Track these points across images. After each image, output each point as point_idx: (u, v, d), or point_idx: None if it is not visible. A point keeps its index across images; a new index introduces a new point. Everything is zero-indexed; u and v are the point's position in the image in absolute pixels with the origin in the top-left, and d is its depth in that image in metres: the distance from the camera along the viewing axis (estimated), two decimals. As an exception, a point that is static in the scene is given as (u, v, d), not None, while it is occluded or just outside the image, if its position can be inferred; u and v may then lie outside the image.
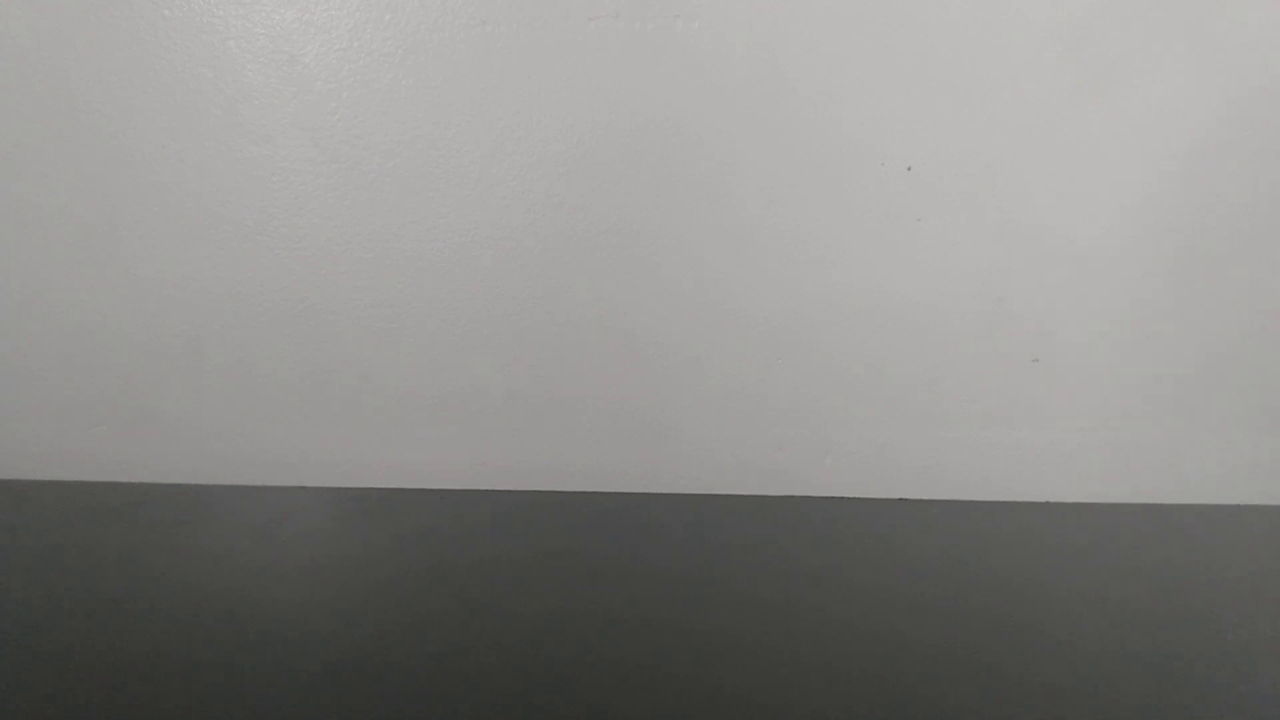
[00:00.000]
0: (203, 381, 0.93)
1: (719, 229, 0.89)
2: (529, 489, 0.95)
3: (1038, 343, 0.91)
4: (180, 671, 0.60)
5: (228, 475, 0.95)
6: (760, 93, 0.85)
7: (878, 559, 0.81)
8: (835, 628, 0.68)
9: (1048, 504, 0.94)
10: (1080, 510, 0.93)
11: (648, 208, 0.88)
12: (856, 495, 0.95)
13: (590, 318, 0.91)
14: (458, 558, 0.79)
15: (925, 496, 0.95)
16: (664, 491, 0.95)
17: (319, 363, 0.93)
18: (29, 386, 0.94)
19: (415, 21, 0.84)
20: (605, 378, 0.93)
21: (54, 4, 0.84)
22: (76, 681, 0.59)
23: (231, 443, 0.95)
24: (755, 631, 0.67)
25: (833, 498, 0.95)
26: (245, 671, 0.60)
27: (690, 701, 0.58)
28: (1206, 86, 0.85)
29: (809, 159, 0.87)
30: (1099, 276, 0.90)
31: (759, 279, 0.90)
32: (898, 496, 0.95)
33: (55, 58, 0.85)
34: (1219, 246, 0.89)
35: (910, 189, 0.87)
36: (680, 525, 0.87)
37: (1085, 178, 0.87)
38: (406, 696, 0.58)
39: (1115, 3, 0.83)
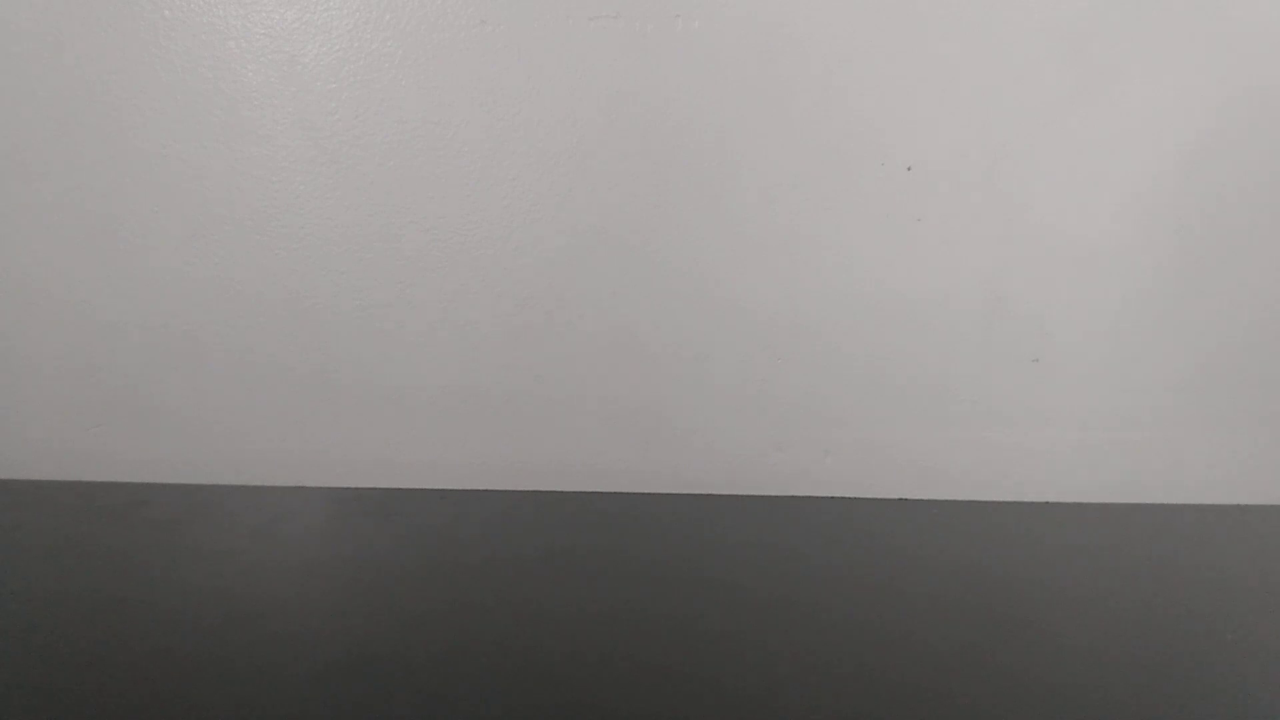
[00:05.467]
0: (202, 381, 0.93)
1: (719, 229, 0.89)
2: (529, 489, 0.95)
3: (1038, 343, 0.91)
4: (180, 671, 0.60)
5: (228, 475, 0.95)
6: (760, 92, 0.85)
7: (878, 559, 0.81)
8: (835, 627, 0.68)
9: (1048, 504, 0.94)
10: (1080, 510, 0.93)
11: (648, 207, 0.88)
12: (856, 495, 0.95)
13: (590, 317, 0.91)
14: (458, 558, 0.79)
15: (925, 496, 0.95)
16: (664, 491, 0.95)
17: (319, 362, 0.93)
18: (29, 386, 0.94)
19: (415, 21, 0.84)
20: (605, 378, 0.93)
21: (54, 4, 0.84)
22: (77, 681, 0.59)
23: (231, 442, 0.95)
24: (755, 631, 0.67)
25: (833, 498, 0.95)
26: (245, 671, 0.60)
27: (691, 701, 0.58)
28: (1207, 86, 0.85)
29: (809, 159, 0.87)
30: (1099, 276, 0.90)
31: (759, 279, 0.90)
32: (898, 496, 0.95)
33: (55, 58, 0.85)
34: (1219, 246, 0.89)
35: (910, 189, 0.87)
36: (680, 525, 0.87)
37: (1086, 177, 0.87)
38: (407, 696, 0.58)
39: (1116, 3, 0.83)
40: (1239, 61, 0.84)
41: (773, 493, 0.95)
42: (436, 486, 0.95)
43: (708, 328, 0.91)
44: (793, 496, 0.95)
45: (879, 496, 0.95)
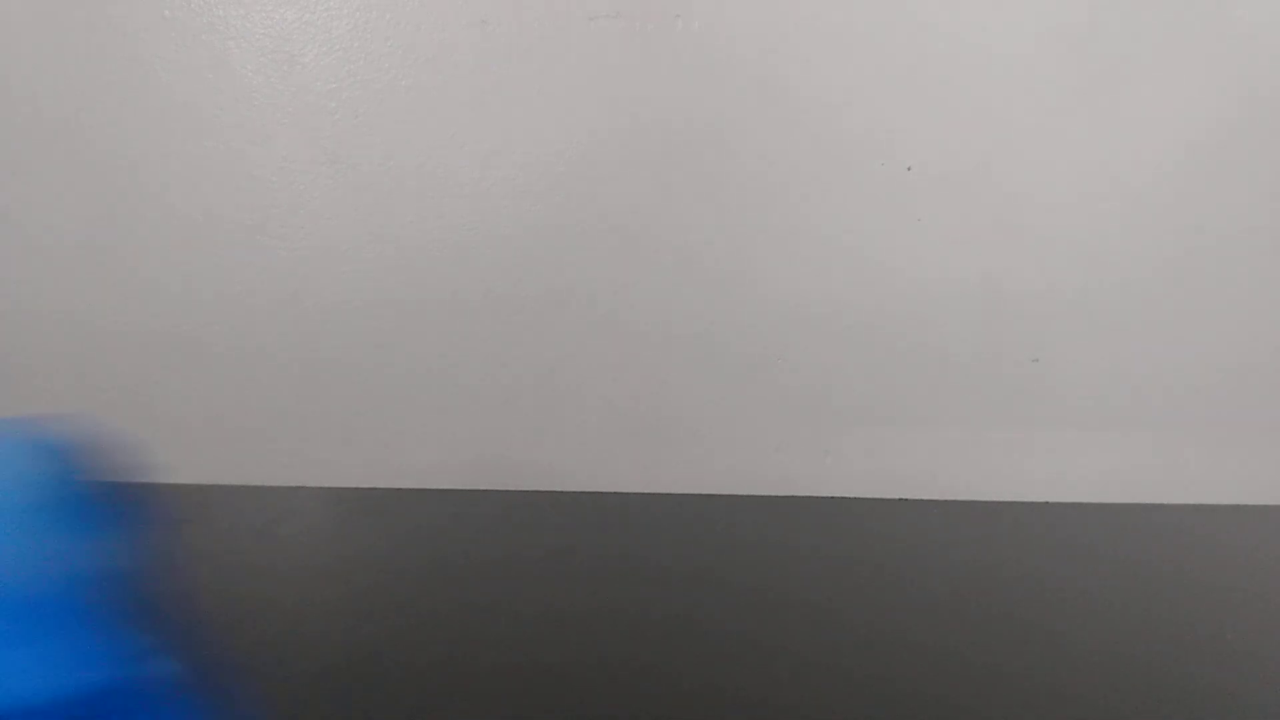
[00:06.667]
0: (202, 381, 0.93)
1: (718, 229, 0.89)
2: (529, 489, 0.95)
3: (1038, 342, 0.91)
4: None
5: (228, 475, 0.95)
6: (760, 92, 0.85)
7: (878, 559, 0.81)
8: (835, 628, 0.68)
9: (1048, 504, 0.94)
10: (1080, 510, 0.93)
11: (647, 207, 0.88)
12: (856, 495, 0.95)
13: (590, 318, 0.91)
14: (458, 558, 0.79)
15: (925, 496, 0.95)
16: (664, 491, 0.95)
17: (319, 362, 0.93)
18: (29, 386, 0.94)
19: (415, 21, 0.84)
20: (605, 378, 0.93)
21: (53, 5, 0.84)
22: (76, 681, 0.59)
23: (231, 442, 0.95)
24: (755, 631, 0.67)
25: (833, 498, 0.95)
26: (244, 673, 0.60)
27: (691, 702, 0.58)
28: (1209, 86, 0.85)
29: (809, 159, 0.87)
30: (1099, 276, 0.90)
31: (759, 279, 0.90)
32: (898, 496, 0.95)
33: (55, 58, 0.85)
34: (1220, 246, 0.89)
35: (910, 189, 0.87)
36: (680, 525, 0.87)
37: (1086, 178, 0.87)
38: (407, 697, 0.58)
39: (1117, 3, 0.83)
40: (1241, 61, 0.84)
41: (773, 493, 0.95)
42: (436, 486, 0.95)
43: (707, 328, 0.91)
44: (793, 496, 0.95)
45: (879, 496, 0.95)
